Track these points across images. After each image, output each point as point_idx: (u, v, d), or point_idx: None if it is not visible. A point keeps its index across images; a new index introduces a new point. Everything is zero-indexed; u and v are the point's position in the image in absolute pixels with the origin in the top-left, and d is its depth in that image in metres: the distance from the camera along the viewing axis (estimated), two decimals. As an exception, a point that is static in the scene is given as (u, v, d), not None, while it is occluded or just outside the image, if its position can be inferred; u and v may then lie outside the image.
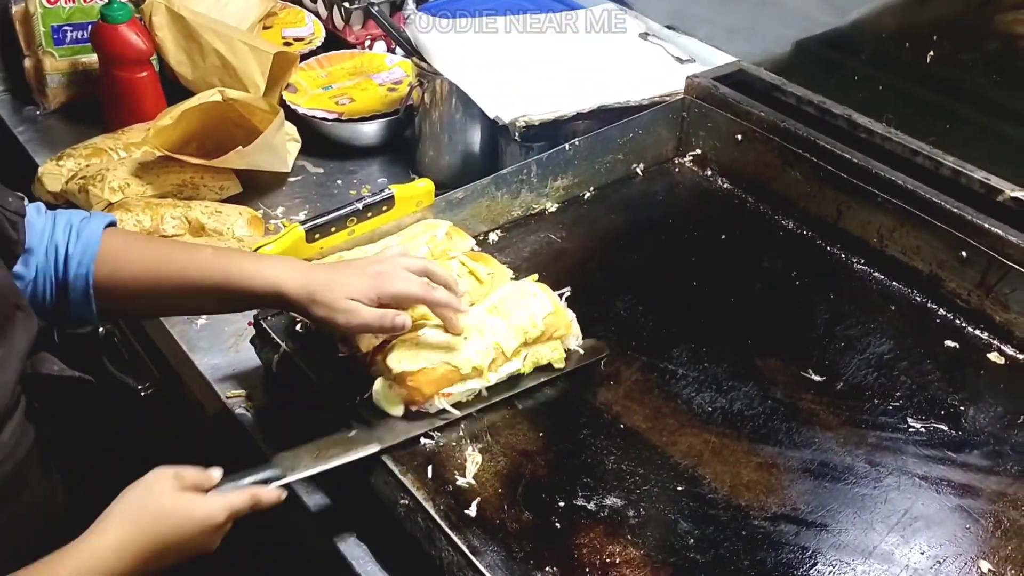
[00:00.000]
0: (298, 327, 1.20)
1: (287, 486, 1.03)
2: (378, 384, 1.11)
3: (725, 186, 1.58)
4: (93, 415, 1.25)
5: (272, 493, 1.01)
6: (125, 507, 0.97)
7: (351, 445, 1.06)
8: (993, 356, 1.26)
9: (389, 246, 1.27)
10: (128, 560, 0.94)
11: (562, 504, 1.04)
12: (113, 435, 1.78)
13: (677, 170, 1.62)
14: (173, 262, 1.10)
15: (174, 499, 0.97)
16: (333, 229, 1.23)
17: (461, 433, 1.11)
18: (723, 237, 1.47)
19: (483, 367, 1.11)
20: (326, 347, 1.18)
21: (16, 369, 1.03)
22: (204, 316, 1.40)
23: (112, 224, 1.14)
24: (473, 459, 1.08)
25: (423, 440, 1.10)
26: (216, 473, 1.01)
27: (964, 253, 1.29)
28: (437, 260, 1.26)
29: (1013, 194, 1.30)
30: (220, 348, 1.35)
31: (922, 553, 1.01)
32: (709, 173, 1.60)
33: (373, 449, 1.06)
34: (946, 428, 1.16)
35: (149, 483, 0.98)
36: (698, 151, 1.61)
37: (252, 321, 1.24)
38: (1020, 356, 1.26)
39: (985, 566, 1.00)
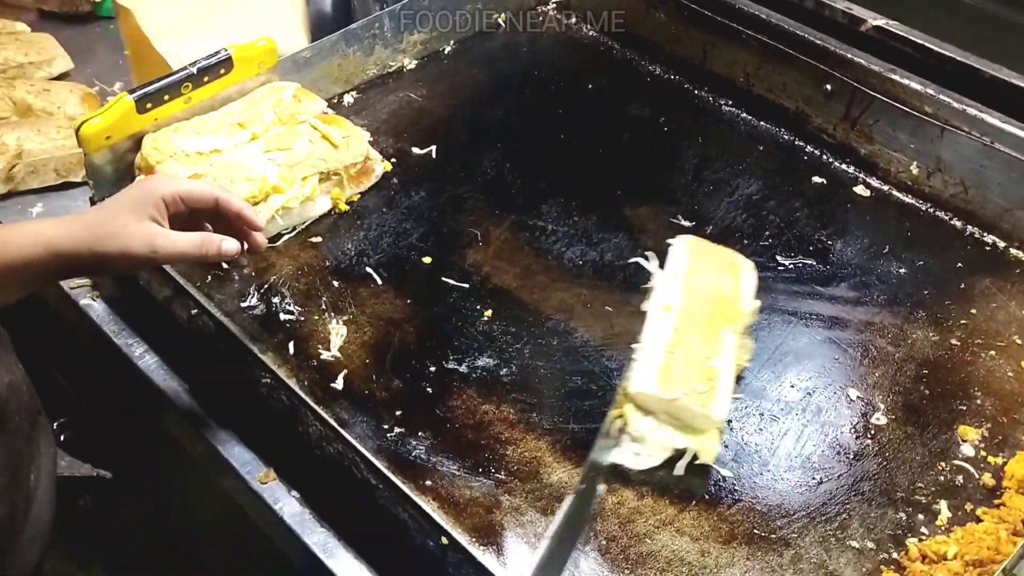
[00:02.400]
0: (138, 207, 1.11)
1: None
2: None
3: (591, 34, 1.51)
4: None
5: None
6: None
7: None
8: (859, 189, 1.26)
9: (233, 112, 1.18)
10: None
11: (433, 369, 1.01)
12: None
13: (541, 19, 1.54)
14: None
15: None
16: (167, 97, 1.12)
17: (323, 306, 1.06)
18: (590, 87, 1.41)
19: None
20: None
21: None
22: (40, 204, 1.29)
23: None
24: (337, 331, 1.04)
25: (282, 316, 1.05)
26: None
27: (829, 86, 1.28)
28: (286, 125, 1.18)
29: (875, 23, 1.28)
30: (60, 237, 1.25)
31: (792, 386, 1.01)
32: (574, 21, 1.53)
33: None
34: (814, 263, 1.16)
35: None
36: (561, -3, 1.54)
37: (91, 200, 1.15)
38: (884, 187, 1.26)
39: (854, 393, 1.01)
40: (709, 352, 0.95)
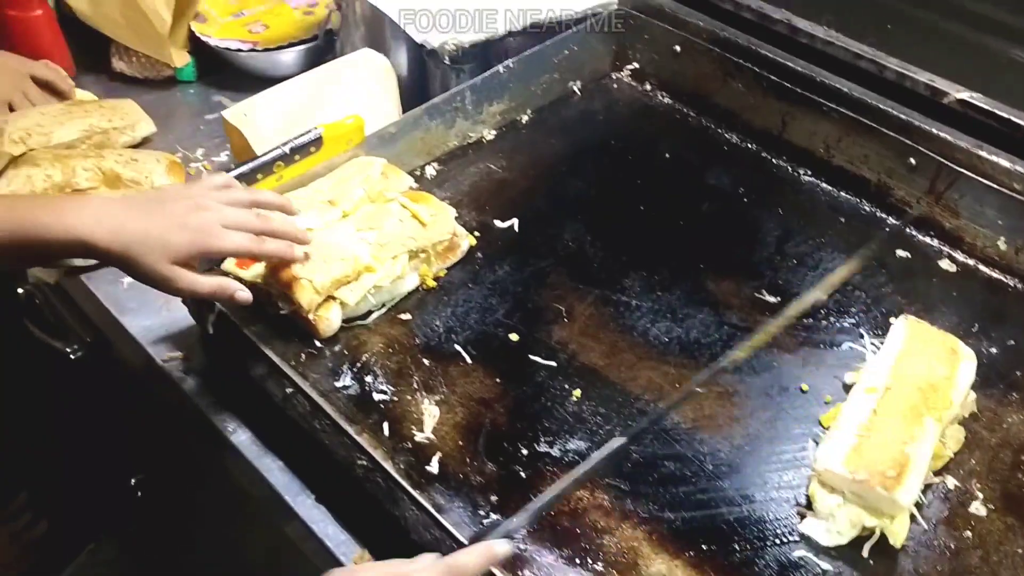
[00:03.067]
0: (233, 284, 1.14)
1: None
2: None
3: (666, 101, 1.52)
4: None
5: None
6: None
7: None
8: (944, 263, 1.25)
9: (322, 189, 1.20)
10: None
11: (525, 452, 1.01)
12: (46, 401, 1.72)
13: (616, 86, 1.56)
14: None
15: None
16: (259, 176, 1.15)
17: (415, 386, 1.07)
18: (667, 156, 1.42)
19: None
20: (264, 304, 1.12)
21: None
22: (129, 275, 1.33)
23: None
24: (430, 412, 1.04)
25: (376, 395, 1.06)
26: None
27: (912, 160, 1.27)
28: (375, 202, 1.20)
29: (959, 96, 1.28)
30: (151, 308, 1.27)
31: (888, 473, 1.01)
32: (648, 88, 1.54)
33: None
34: (903, 341, 1.15)
35: None
36: (636, 65, 1.55)
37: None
38: (971, 262, 1.25)
39: (951, 482, 1.00)
40: (906, 437, 0.95)
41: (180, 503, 1.56)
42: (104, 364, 1.43)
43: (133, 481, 1.60)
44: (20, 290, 1.52)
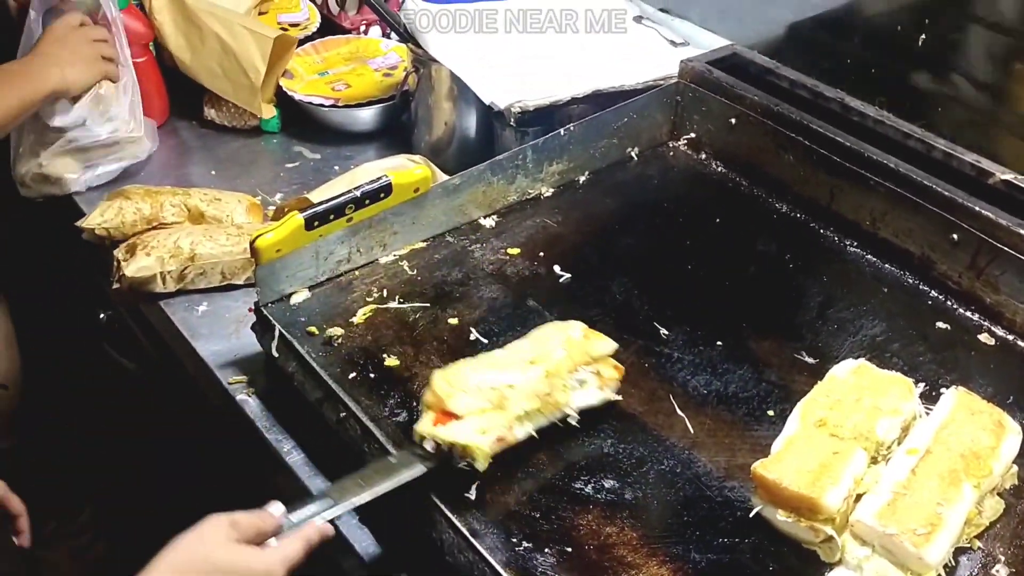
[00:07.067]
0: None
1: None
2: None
3: (719, 170, 1.59)
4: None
5: (321, 530, 0.97)
6: (174, 557, 0.88)
7: (394, 470, 1.03)
8: (983, 337, 1.28)
9: (521, 349, 1.16)
10: None
11: (561, 486, 1.06)
12: (116, 418, 1.81)
13: (672, 154, 1.63)
14: None
15: (230, 552, 0.89)
16: (332, 217, 1.24)
17: (460, 418, 1.13)
18: (717, 221, 1.48)
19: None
20: (326, 334, 1.20)
21: None
22: (205, 303, 1.42)
23: None
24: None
25: (423, 425, 1.12)
26: (275, 510, 0.95)
27: (955, 236, 1.31)
28: (576, 362, 1.15)
29: (1003, 176, 1.32)
30: (221, 334, 1.37)
31: (912, 532, 1.03)
32: (703, 156, 1.61)
33: (419, 471, 1.03)
34: (937, 409, 1.17)
35: (203, 532, 0.90)
36: (692, 135, 1.62)
37: (252, 307, 1.26)
38: (1010, 337, 1.28)
39: (977, 544, 1.02)
40: (941, 499, 0.98)
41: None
42: (172, 386, 1.52)
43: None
44: (101, 315, 1.63)
